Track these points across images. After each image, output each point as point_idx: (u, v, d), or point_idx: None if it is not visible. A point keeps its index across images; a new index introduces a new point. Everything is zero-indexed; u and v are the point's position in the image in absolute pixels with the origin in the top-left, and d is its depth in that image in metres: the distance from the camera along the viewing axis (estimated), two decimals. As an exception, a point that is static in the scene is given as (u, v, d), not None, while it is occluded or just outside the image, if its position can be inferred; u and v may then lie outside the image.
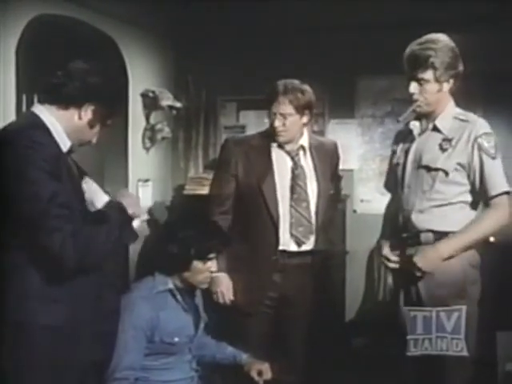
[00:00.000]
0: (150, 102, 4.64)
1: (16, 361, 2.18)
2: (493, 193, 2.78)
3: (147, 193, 4.72)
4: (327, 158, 3.38)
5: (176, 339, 2.79)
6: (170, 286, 2.83)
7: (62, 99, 2.29)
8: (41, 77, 2.45)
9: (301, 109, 3.21)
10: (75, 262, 2.16)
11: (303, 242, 3.21)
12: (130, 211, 2.34)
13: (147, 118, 4.71)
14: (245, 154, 3.27)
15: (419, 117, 2.92)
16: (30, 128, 2.24)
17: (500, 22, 4.31)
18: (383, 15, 4.36)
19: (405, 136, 3.01)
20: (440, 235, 2.79)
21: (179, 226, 2.90)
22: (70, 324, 2.23)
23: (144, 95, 4.62)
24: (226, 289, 3.20)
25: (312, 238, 3.23)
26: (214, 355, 3.02)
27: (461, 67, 2.86)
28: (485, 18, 4.30)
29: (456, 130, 2.82)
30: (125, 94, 2.54)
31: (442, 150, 2.83)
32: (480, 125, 2.83)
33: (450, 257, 2.76)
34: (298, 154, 3.28)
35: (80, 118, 2.32)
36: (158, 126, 4.72)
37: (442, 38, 2.85)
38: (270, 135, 3.28)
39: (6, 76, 3.44)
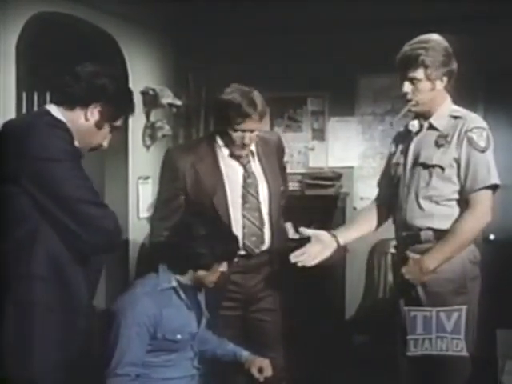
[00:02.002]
0: (150, 100, 4.64)
1: (20, 337, 2.19)
2: (475, 187, 2.74)
3: (147, 190, 4.71)
4: (273, 154, 3.29)
5: (179, 336, 2.78)
6: (174, 283, 2.82)
7: (68, 99, 2.31)
8: (50, 77, 2.47)
9: (263, 118, 3.09)
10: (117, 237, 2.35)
11: (254, 252, 3.15)
12: None
13: (147, 116, 4.70)
14: (192, 167, 3.10)
15: (416, 116, 2.93)
16: (46, 115, 2.30)
17: (500, 20, 4.31)
18: (384, 13, 4.36)
19: (404, 136, 3.02)
20: (440, 233, 2.79)
21: (202, 225, 2.83)
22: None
23: (144, 93, 4.61)
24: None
25: (263, 247, 3.17)
26: (215, 351, 3.01)
27: (454, 65, 2.85)
28: (485, 17, 4.30)
29: (451, 126, 2.82)
30: (131, 93, 2.55)
31: (438, 146, 2.82)
32: (471, 119, 2.82)
33: (438, 267, 2.74)
34: (249, 162, 3.17)
35: (86, 119, 2.33)
36: (158, 124, 4.72)
37: (434, 38, 2.85)
38: (216, 142, 3.14)
39: (6, 73, 3.44)
